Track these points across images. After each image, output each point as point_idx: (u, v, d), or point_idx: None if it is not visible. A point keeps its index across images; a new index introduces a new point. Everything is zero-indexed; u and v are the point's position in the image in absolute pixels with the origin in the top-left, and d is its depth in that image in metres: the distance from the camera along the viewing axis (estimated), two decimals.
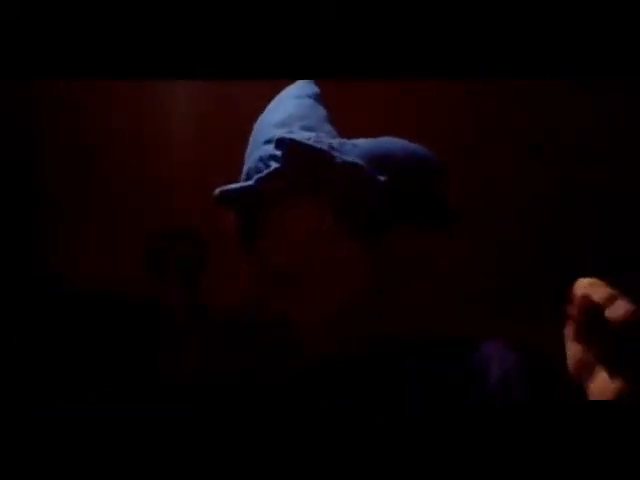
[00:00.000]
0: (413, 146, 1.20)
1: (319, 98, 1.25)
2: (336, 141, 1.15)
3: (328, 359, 1.15)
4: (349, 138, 1.18)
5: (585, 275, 0.88)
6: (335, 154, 1.11)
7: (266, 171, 1.12)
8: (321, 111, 1.23)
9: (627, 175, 1.68)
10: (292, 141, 1.12)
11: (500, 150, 1.76)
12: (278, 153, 1.14)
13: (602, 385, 0.91)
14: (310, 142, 1.12)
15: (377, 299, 1.19)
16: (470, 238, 1.73)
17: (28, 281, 1.82)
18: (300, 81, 1.28)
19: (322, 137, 1.15)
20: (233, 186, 1.14)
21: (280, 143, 1.13)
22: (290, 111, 1.21)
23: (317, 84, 1.28)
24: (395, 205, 1.15)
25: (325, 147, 1.12)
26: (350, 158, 1.11)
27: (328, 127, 1.20)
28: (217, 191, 1.14)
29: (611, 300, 0.86)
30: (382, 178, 1.11)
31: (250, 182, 1.13)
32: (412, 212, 1.17)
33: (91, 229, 1.87)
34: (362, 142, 1.18)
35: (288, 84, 1.43)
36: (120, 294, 1.78)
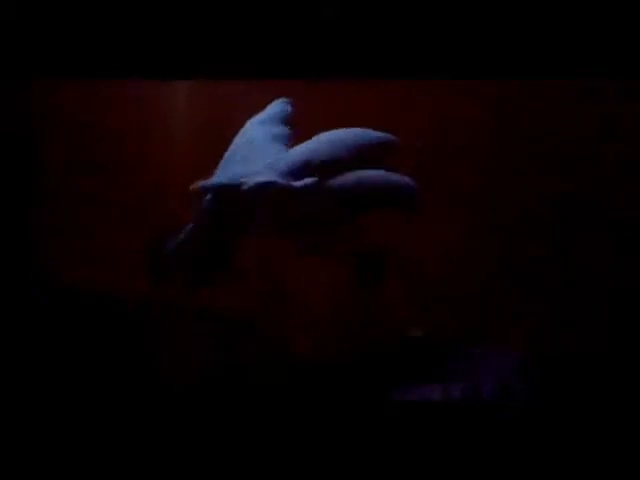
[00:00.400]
0: (345, 133, 1.24)
1: (276, 117, 1.32)
2: (268, 162, 1.22)
3: (318, 360, 1.17)
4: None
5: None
6: (244, 181, 1.16)
7: (187, 230, 1.30)
8: (268, 133, 1.30)
9: (627, 175, 1.68)
10: (204, 187, 1.25)
11: (500, 151, 1.75)
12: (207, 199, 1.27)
13: None
14: (216, 182, 1.20)
15: (361, 300, 1.21)
16: (469, 239, 1.73)
17: (28, 281, 1.82)
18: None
19: (244, 170, 1.22)
20: (174, 247, 1.32)
21: (199, 193, 1.27)
22: (234, 150, 1.31)
23: (288, 102, 1.33)
24: (345, 198, 1.18)
25: (235, 181, 1.19)
26: (263, 178, 1.16)
27: (273, 147, 1.26)
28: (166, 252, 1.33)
29: None
30: (300, 183, 1.15)
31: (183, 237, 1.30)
32: (364, 200, 1.19)
33: (91, 229, 1.86)
34: (292, 152, 1.25)
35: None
36: (120, 294, 1.78)
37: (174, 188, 1.84)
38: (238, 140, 1.31)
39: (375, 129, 1.75)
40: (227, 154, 1.30)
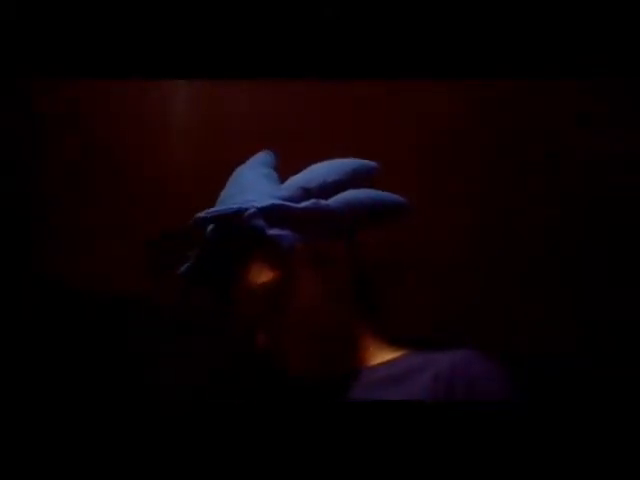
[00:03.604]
0: (333, 162, 1.35)
1: (263, 162, 1.41)
2: (267, 191, 1.31)
3: (309, 380, 1.22)
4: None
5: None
6: (246, 207, 1.25)
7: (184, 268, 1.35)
8: (259, 173, 1.38)
9: (627, 174, 1.68)
10: (205, 218, 1.29)
11: (501, 152, 1.76)
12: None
13: None
14: (217, 210, 1.28)
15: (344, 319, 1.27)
16: (468, 239, 1.74)
17: (28, 281, 1.82)
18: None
19: (243, 201, 1.29)
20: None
21: (200, 224, 1.31)
22: (228, 191, 1.37)
23: (271, 151, 1.44)
24: (340, 217, 1.26)
25: (236, 209, 1.26)
26: (266, 203, 1.25)
27: (267, 183, 1.35)
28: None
29: None
30: (302, 205, 1.24)
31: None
32: (357, 217, 1.28)
33: (91, 229, 1.86)
34: (288, 182, 1.34)
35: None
36: (120, 294, 1.78)
37: (175, 188, 1.84)
38: (230, 183, 1.38)
39: (375, 129, 1.75)
40: (221, 195, 1.37)
